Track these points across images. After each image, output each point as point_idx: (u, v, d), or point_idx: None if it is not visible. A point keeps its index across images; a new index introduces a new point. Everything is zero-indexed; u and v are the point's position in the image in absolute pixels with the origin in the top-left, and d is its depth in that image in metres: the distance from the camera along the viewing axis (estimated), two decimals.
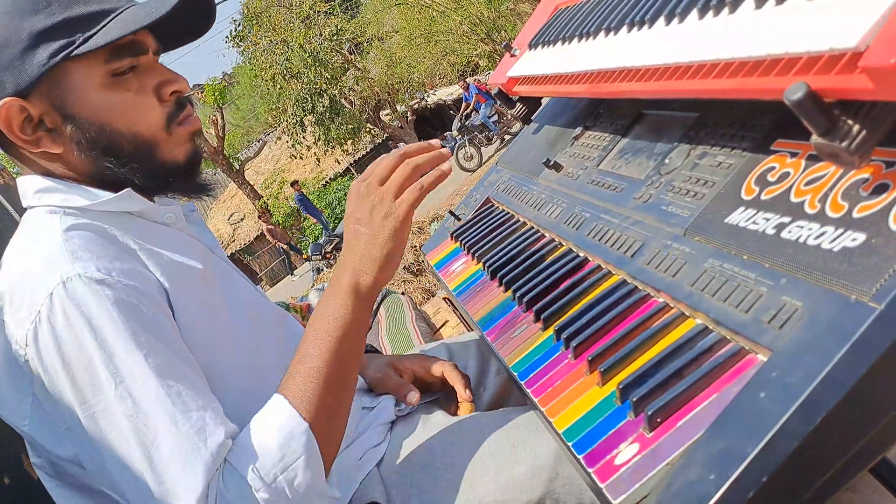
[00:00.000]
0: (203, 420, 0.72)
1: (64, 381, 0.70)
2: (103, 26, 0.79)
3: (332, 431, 0.77)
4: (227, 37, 16.39)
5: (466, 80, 14.96)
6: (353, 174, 18.93)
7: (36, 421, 0.75)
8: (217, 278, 0.90)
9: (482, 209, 1.34)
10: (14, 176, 1.36)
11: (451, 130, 17.02)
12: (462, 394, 1.02)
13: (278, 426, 0.74)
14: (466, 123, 12.56)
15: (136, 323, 0.72)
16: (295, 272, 14.18)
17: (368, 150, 19.72)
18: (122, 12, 0.81)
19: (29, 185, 0.83)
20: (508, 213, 1.23)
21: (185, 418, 0.70)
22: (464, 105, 13.89)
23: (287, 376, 0.79)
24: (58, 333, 0.70)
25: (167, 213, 0.88)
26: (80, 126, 0.80)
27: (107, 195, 0.82)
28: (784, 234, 0.62)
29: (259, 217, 15.88)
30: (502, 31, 15.40)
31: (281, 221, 16.93)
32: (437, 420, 0.93)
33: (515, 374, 0.82)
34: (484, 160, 12.22)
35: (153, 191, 0.87)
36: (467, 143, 12.28)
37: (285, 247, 15.35)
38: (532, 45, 1.26)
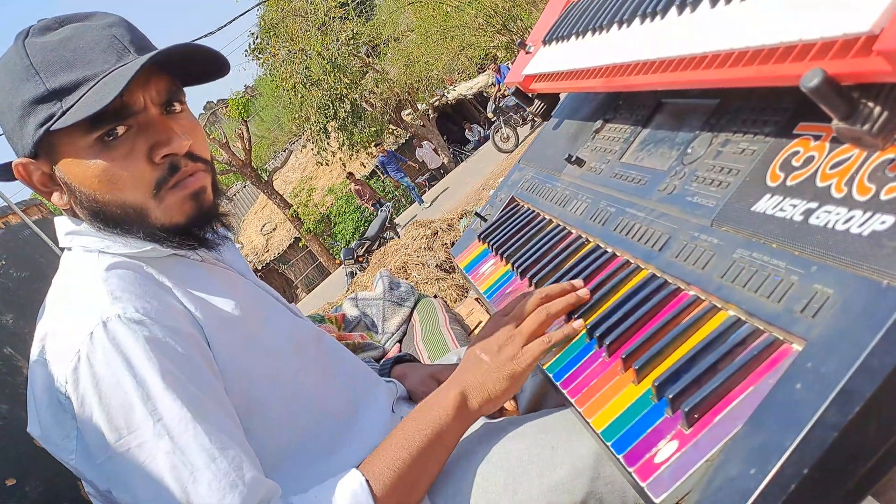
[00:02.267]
0: (239, 458, 0.73)
1: (101, 417, 0.72)
2: (80, 98, 0.77)
3: None
4: (246, 50, 16.57)
5: (498, 64, 14.91)
6: (378, 176, 19.02)
7: (81, 457, 0.77)
8: (254, 307, 0.91)
9: (507, 209, 1.34)
10: (52, 211, 1.40)
11: (475, 123, 16.98)
12: (506, 405, 1.03)
13: (349, 494, 0.76)
14: (501, 105, 12.49)
15: (173, 363, 0.74)
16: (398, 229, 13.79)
17: (393, 150, 19.79)
18: (104, 77, 0.77)
19: (62, 227, 0.87)
20: (534, 211, 1.23)
21: (223, 455, 0.72)
22: (496, 88, 13.83)
23: (372, 456, 0.82)
24: (96, 371, 0.73)
25: (193, 254, 0.89)
26: (75, 191, 0.82)
27: (136, 246, 0.83)
28: (812, 220, 0.61)
29: (347, 177, 15.54)
30: (518, 21, 15.30)
31: (312, 228, 17.04)
32: (475, 425, 0.93)
33: (550, 374, 0.82)
34: (521, 140, 12.17)
35: (169, 245, 0.86)
36: (503, 125, 12.25)
37: (371, 209, 14.85)
38: (546, 42, 1.25)
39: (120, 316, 0.74)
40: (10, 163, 0.84)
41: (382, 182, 18.54)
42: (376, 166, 15.93)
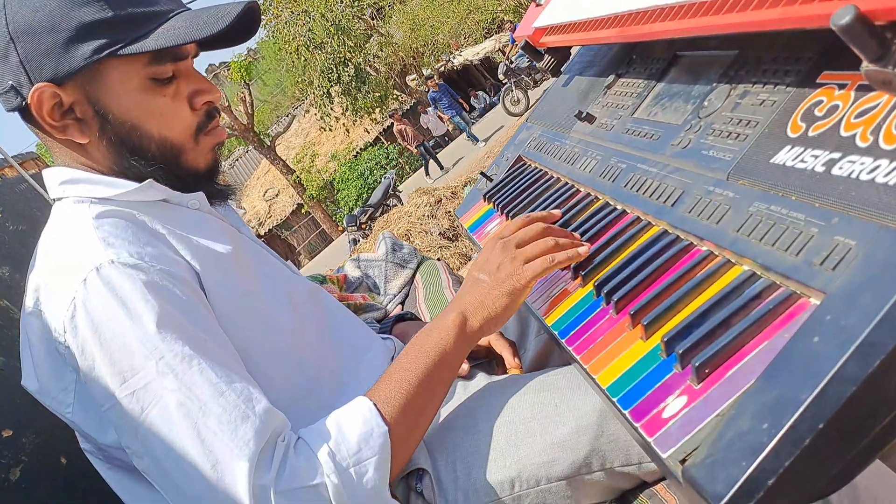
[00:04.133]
0: (248, 390, 0.72)
1: (102, 363, 0.71)
2: (152, 30, 0.79)
3: (405, 446, 0.78)
4: None
5: (513, 23, 14.59)
6: (382, 142, 18.87)
7: (79, 409, 0.76)
8: (249, 259, 0.90)
9: (514, 168, 1.31)
10: (49, 164, 1.38)
11: (481, 90, 16.69)
12: (510, 361, 1.02)
13: (361, 420, 0.75)
14: (512, 66, 12.25)
15: (171, 305, 0.73)
16: (430, 173, 13.42)
17: (390, 124, 19.64)
18: (172, 16, 0.81)
19: (54, 177, 0.84)
20: (541, 170, 1.21)
21: (231, 389, 0.71)
22: (510, 46, 13.53)
23: (378, 383, 0.81)
24: (94, 317, 0.71)
25: (191, 199, 0.88)
26: (112, 123, 0.81)
27: (130, 185, 0.82)
28: (835, 171, 0.58)
29: (391, 116, 15.05)
30: None
31: (315, 195, 16.98)
32: (478, 383, 0.92)
33: (556, 332, 0.80)
34: (532, 103, 11.98)
35: (174, 188, 0.87)
36: (514, 87, 12.03)
37: (416, 151, 14.31)
38: None
39: (114, 261, 0.73)
40: (11, 87, 0.79)
41: (386, 149, 18.40)
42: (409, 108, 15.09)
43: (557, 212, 0.93)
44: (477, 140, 12.90)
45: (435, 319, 0.86)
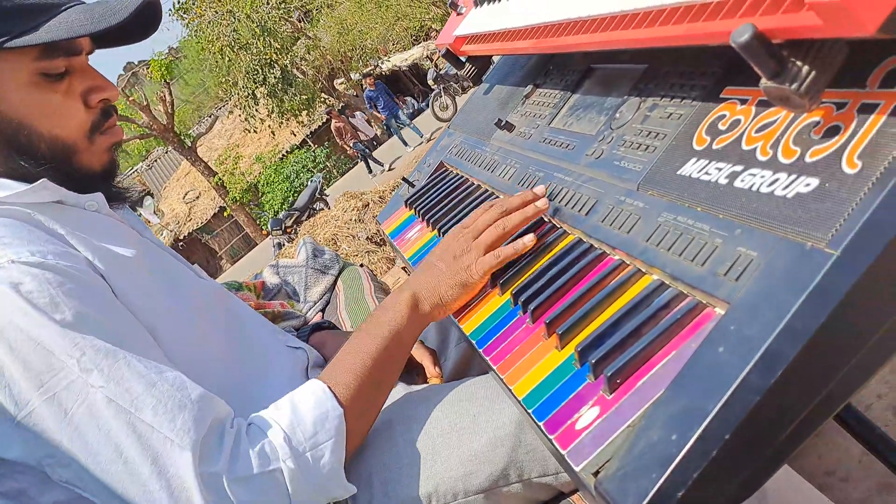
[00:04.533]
0: (180, 378, 0.69)
1: (13, 368, 0.65)
2: (43, 23, 0.74)
3: (360, 427, 0.78)
4: (170, 9, 15.80)
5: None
6: (309, 145, 18.57)
7: None
8: (152, 263, 0.85)
9: (436, 174, 1.31)
10: None
11: (409, 96, 16.67)
12: (430, 370, 1.01)
13: (316, 403, 0.74)
14: (442, 73, 12.31)
15: (82, 302, 0.68)
16: (373, 170, 12.97)
17: (324, 120, 19.37)
18: (66, 9, 0.77)
19: None
20: (462, 176, 1.20)
21: (162, 379, 0.68)
22: (437, 54, 13.52)
23: (331, 365, 0.80)
24: (1, 320, 0.65)
25: (88, 200, 0.83)
26: None
27: (21, 186, 0.77)
28: (737, 183, 0.60)
29: (328, 113, 14.55)
30: None
31: (238, 198, 16.54)
32: (397, 393, 0.91)
33: (473, 341, 0.80)
34: (459, 109, 12.05)
35: (69, 188, 0.82)
36: (443, 93, 12.10)
37: (352, 152, 13.97)
38: (477, 2, 1.21)
39: (14, 261, 0.67)
40: None
41: (313, 152, 18.13)
42: (339, 111, 14.78)
43: (540, 189, 0.89)
44: (406, 144, 12.86)
45: (388, 298, 0.86)
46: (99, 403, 0.65)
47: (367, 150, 13.30)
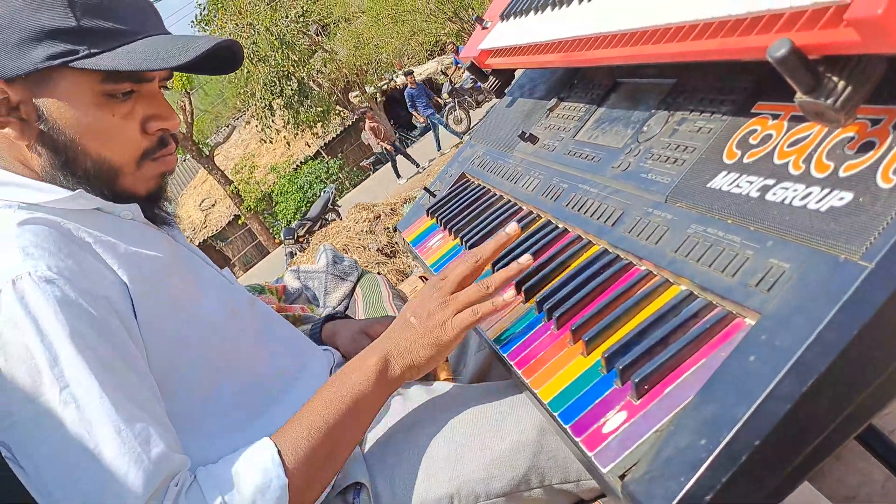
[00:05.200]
0: (147, 431, 0.70)
1: (6, 382, 0.68)
2: (114, 48, 0.76)
3: (306, 496, 0.76)
4: (192, 21, 16.04)
5: (457, 45, 14.63)
6: (323, 157, 18.69)
7: None
8: (184, 268, 0.87)
9: (457, 185, 1.32)
10: None
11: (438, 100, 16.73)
12: (440, 370, 1.01)
13: (260, 469, 0.72)
14: (456, 86, 12.34)
15: (86, 326, 0.70)
16: (401, 176, 12.69)
17: (338, 132, 19.50)
18: (140, 40, 0.78)
19: None
20: (484, 187, 1.22)
21: (129, 428, 0.68)
22: (453, 68, 13.55)
23: (288, 425, 0.78)
24: (2, 334, 0.68)
25: (124, 209, 0.85)
26: (52, 131, 0.78)
27: (61, 192, 0.79)
28: (769, 197, 0.61)
29: (362, 114, 14.34)
30: (469, 9, 15.28)
31: (252, 207, 16.66)
32: (416, 395, 0.91)
33: (497, 347, 0.81)
34: (473, 124, 12.08)
35: (105, 199, 0.83)
36: (457, 107, 12.15)
37: (389, 148, 13.67)
38: (504, 17, 1.23)
39: (31, 274, 0.69)
40: None
41: (327, 163, 18.22)
42: (360, 116, 14.56)
43: (513, 227, 0.85)
44: (440, 148, 12.73)
45: (356, 358, 0.83)
46: (67, 438, 0.67)
47: (400, 151, 13.16)
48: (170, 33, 0.83)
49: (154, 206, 0.88)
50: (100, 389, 0.68)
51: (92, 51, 0.75)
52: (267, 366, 0.90)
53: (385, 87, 17.99)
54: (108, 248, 0.78)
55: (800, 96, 0.54)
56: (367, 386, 0.79)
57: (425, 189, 1.39)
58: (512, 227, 0.84)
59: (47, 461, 0.67)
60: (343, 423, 0.77)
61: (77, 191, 0.79)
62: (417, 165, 12.66)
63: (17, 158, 0.80)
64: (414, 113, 12.92)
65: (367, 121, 13.93)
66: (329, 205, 11.69)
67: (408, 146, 14.92)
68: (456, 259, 0.86)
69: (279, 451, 0.74)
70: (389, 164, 13.23)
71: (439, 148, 12.65)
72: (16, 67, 0.74)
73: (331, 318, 1.17)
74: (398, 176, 12.95)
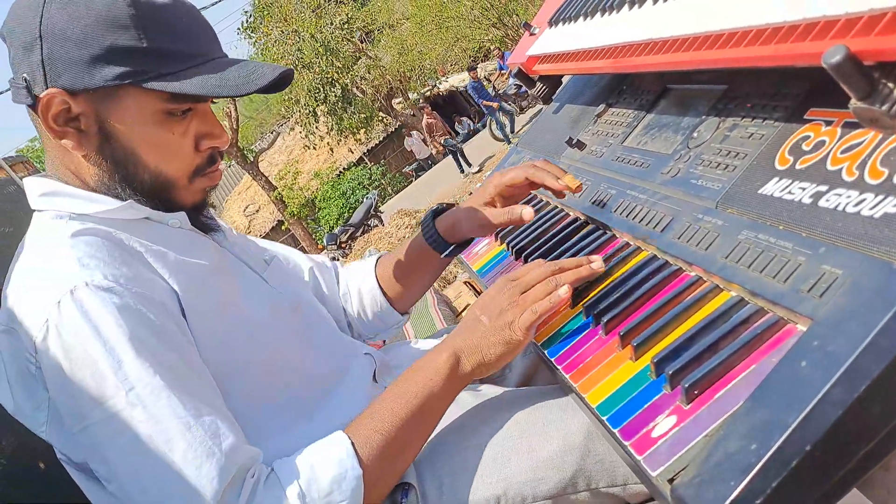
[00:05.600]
0: (216, 425, 0.72)
1: (73, 389, 0.70)
2: (181, 70, 0.79)
3: (379, 489, 0.78)
4: (238, 28, 16.41)
5: (502, 49, 14.57)
6: (366, 163, 18.88)
7: (53, 428, 0.75)
8: (229, 273, 0.90)
9: None
10: (39, 169, 1.37)
11: (465, 116, 16.75)
12: (555, 184, 0.97)
13: (336, 461, 0.74)
14: (500, 92, 12.29)
15: (145, 330, 0.73)
16: (464, 170, 12.48)
17: (381, 138, 19.68)
18: (206, 62, 0.81)
19: (35, 188, 0.84)
20: (531, 193, 1.22)
21: (198, 423, 0.71)
22: (496, 74, 13.44)
23: (359, 419, 0.80)
24: (66, 342, 0.70)
25: (172, 217, 0.88)
26: (113, 145, 0.81)
27: (111, 203, 0.82)
28: (821, 203, 0.61)
29: (421, 108, 14.28)
30: (514, 16, 15.28)
31: (296, 212, 16.92)
32: (465, 399, 0.93)
33: (545, 351, 0.81)
34: (517, 130, 12.04)
35: (154, 209, 0.86)
36: (500, 113, 12.11)
37: (440, 148, 13.68)
38: (552, 23, 1.24)
39: (88, 283, 0.72)
40: (24, 81, 0.78)
41: (369, 170, 18.40)
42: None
43: (597, 258, 0.85)
44: (508, 141, 12.64)
45: (427, 356, 0.84)
46: (138, 438, 0.69)
47: (458, 148, 13.13)
48: (227, 56, 0.86)
49: (199, 214, 0.91)
50: (165, 389, 0.70)
51: (161, 72, 0.78)
52: (312, 368, 0.93)
53: (428, 93, 18.09)
54: (159, 256, 0.81)
55: (854, 102, 0.54)
56: (438, 382, 0.80)
57: (471, 195, 1.40)
58: (598, 265, 0.84)
59: (120, 462, 0.70)
60: (414, 418, 0.79)
61: (128, 201, 0.82)
62: (469, 165, 12.63)
63: (70, 169, 0.83)
64: (484, 103, 12.65)
65: (424, 116, 13.86)
66: (371, 211, 11.81)
67: (449, 153, 14.91)
68: (532, 263, 0.87)
69: (353, 444, 0.76)
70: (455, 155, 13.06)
71: (512, 132, 12.45)
72: (85, 82, 0.77)
73: (435, 213, 1.12)
74: (463, 169, 12.80)
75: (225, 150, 0.89)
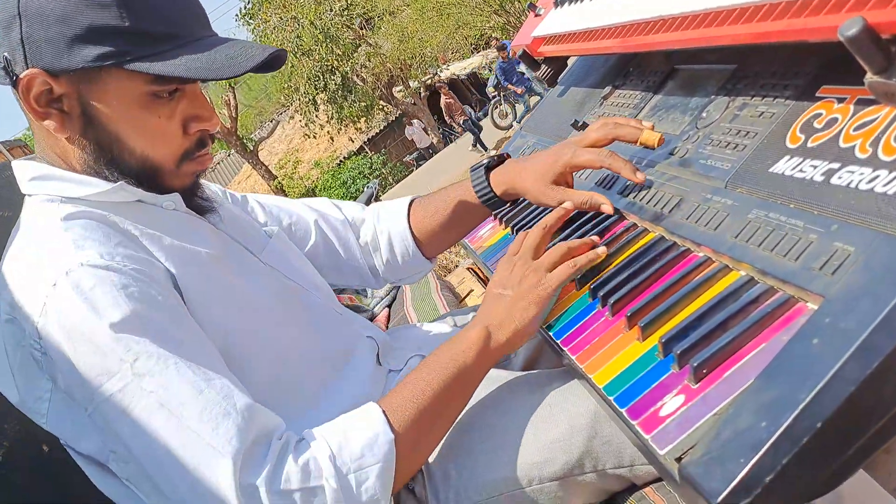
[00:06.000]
0: (228, 387, 0.71)
1: (78, 368, 0.69)
2: (166, 51, 0.76)
3: (412, 457, 0.76)
4: (237, 15, 16.31)
5: (500, 39, 14.54)
6: (366, 152, 18.84)
7: (54, 418, 0.74)
8: (229, 256, 0.88)
9: None
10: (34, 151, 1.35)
11: (467, 104, 16.68)
12: (629, 170, 0.88)
13: (366, 426, 0.74)
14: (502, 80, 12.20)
15: (145, 305, 0.71)
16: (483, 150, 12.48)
17: (382, 127, 19.64)
18: (190, 43, 0.78)
19: (24, 172, 0.81)
20: None
21: (210, 386, 0.70)
22: (502, 53, 13.34)
23: (392, 392, 0.79)
24: (65, 322, 0.69)
25: (166, 199, 0.86)
26: (96, 128, 0.78)
27: (103, 185, 0.80)
28: (834, 181, 0.60)
29: (438, 88, 14.21)
30: (515, 2, 15.19)
31: None
32: None
33: (550, 333, 0.81)
34: (519, 118, 11.99)
35: (147, 191, 0.84)
36: (502, 101, 12.02)
37: (460, 129, 13.66)
38: (558, 3, 1.23)
39: (84, 264, 0.71)
40: (4, 60, 0.75)
41: (370, 158, 18.38)
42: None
43: (569, 205, 0.89)
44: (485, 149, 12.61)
45: (459, 334, 0.84)
46: (150, 407, 0.68)
47: (476, 128, 13.04)
48: (216, 34, 0.83)
49: (192, 196, 0.89)
50: (170, 356, 0.69)
51: (145, 53, 0.75)
52: (315, 352, 0.92)
53: (429, 81, 18.02)
54: (154, 240, 0.79)
55: (870, 76, 0.53)
56: (471, 355, 0.80)
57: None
58: (602, 249, 0.84)
59: (134, 434, 0.68)
60: (447, 390, 0.78)
61: (119, 182, 0.80)
62: (486, 149, 12.54)
63: (56, 152, 0.81)
64: (510, 86, 12.48)
65: (442, 95, 13.70)
66: (372, 200, 11.78)
67: (451, 141, 14.87)
68: (521, 234, 0.89)
69: (384, 412, 0.75)
70: (470, 137, 12.91)
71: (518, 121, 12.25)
72: (65, 63, 0.74)
73: (488, 168, 1.06)
74: (484, 149, 12.62)
75: (216, 133, 0.87)
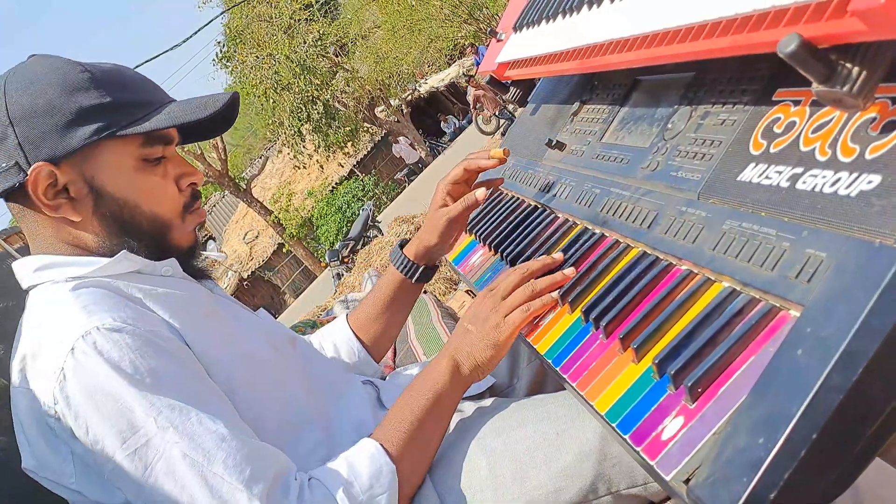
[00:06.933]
0: (245, 431, 0.76)
1: (101, 426, 0.72)
2: (146, 115, 0.85)
3: (411, 482, 0.84)
4: (213, 59, 16.42)
5: (476, 45, 14.62)
6: (357, 175, 18.89)
7: (82, 478, 0.77)
8: (224, 313, 0.93)
9: (491, 198, 1.33)
10: None
11: (450, 114, 16.73)
12: (488, 162, 1.07)
13: (369, 458, 0.80)
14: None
15: (160, 361, 0.76)
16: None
17: (369, 149, 19.69)
18: (163, 106, 0.88)
19: (28, 266, 0.86)
20: (518, 198, 1.23)
21: (231, 433, 0.74)
22: (475, 69, 13.40)
23: (379, 426, 0.86)
24: (86, 383, 0.73)
25: (164, 266, 0.91)
26: (106, 199, 0.85)
27: (104, 260, 0.85)
28: (799, 185, 0.61)
29: (467, 82, 13.91)
30: (484, 9, 15.27)
31: (295, 233, 16.95)
32: (475, 415, 0.93)
33: (549, 360, 0.82)
34: (502, 123, 12.09)
35: (148, 258, 0.90)
36: (485, 108, 12.21)
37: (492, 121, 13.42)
38: (517, 28, 1.25)
39: (98, 328, 0.75)
40: (16, 163, 0.81)
41: (361, 181, 18.42)
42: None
43: (559, 255, 0.92)
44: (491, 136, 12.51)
45: (428, 365, 0.89)
46: (176, 458, 0.72)
47: (511, 119, 12.97)
48: (175, 100, 0.93)
49: (192, 258, 0.95)
50: (192, 409, 0.74)
51: (131, 120, 0.84)
52: (316, 394, 0.96)
53: (409, 97, 18.10)
54: (157, 301, 0.84)
55: (816, 86, 0.54)
56: (445, 382, 0.87)
57: None
58: (559, 255, 0.91)
59: (163, 488, 0.71)
60: (429, 414, 0.85)
61: (121, 252, 0.86)
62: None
63: (64, 240, 0.86)
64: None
65: (471, 90, 13.46)
66: (369, 222, 11.80)
67: (440, 153, 14.85)
68: (503, 272, 0.92)
69: (381, 444, 0.82)
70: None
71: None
72: (66, 147, 0.81)
73: (401, 245, 1.18)
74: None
75: (207, 177, 0.95)
